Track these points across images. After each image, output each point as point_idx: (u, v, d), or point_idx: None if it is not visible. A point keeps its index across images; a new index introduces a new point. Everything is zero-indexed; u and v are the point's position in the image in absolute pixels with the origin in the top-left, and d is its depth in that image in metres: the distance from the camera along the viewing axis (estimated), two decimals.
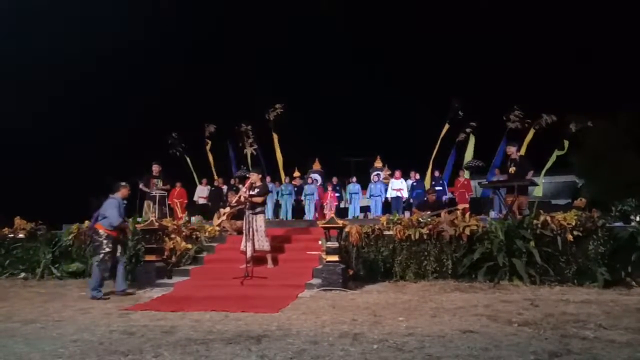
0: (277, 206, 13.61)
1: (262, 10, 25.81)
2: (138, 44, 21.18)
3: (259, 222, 7.35)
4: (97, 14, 20.82)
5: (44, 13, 18.96)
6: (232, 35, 28.57)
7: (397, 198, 12.69)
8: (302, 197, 13.36)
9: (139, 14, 21.17)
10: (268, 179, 13.25)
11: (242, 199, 7.42)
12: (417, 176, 13.29)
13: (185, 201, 13.18)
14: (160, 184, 10.52)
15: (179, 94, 22.43)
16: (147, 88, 21.02)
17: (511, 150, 8.55)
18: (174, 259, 7.71)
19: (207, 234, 8.53)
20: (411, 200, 12.48)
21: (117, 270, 6.51)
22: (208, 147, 15.14)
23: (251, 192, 7.39)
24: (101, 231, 6.41)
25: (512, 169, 8.23)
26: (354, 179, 13.77)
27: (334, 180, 13.71)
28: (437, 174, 13.41)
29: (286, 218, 12.89)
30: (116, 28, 20.70)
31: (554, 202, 15.73)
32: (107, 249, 6.38)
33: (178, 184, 12.91)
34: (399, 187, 12.82)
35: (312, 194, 13.19)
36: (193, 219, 11.96)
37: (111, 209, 6.49)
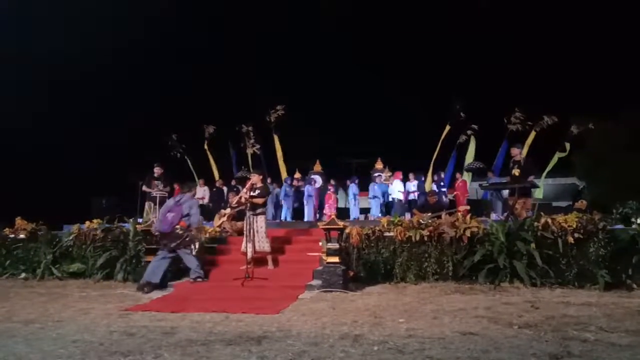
0: (277, 208, 13.61)
1: (263, 10, 25.84)
2: (138, 44, 21.21)
3: (260, 223, 7.35)
4: (97, 14, 20.84)
5: (44, 13, 19.00)
6: (232, 35, 28.61)
7: (400, 200, 12.70)
8: (305, 199, 13.36)
9: (139, 14, 21.18)
10: (269, 180, 13.27)
11: (243, 200, 7.42)
12: (422, 178, 13.34)
13: None
14: (161, 185, 10.53)
15: (179, 95, 22.48)
16: (147, 88, 21.05)
17: (515, 152, 8.53)
18: None
19: (207, 235, 8.53)
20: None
21: (165, 266, 6.85)
22: (207, 148, 15.16)
23: (252, 193, 7.39)
24: (181, 226, 6.86)
25: (515, 171, 8.21)
26: (356, 181, 13.79)
27: (332, 181, 13.73)
28: (442, 175, 13.43)
29: (284, 219, 12.90)
30: (116, 28, 20.74)
31: (554, 204, 15.75)
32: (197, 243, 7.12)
33: (176, 185, 12.89)
34: (400, 188, 12.83)
35: (311, 196, 13.19)
36: None
37: (196, 208, 7.08)
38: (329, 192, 13.18)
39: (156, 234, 7.21)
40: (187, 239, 6.95)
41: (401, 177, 13.12)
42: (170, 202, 7.19)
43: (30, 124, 17.65)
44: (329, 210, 12.24)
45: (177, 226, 6.85)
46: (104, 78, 20.96)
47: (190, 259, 6.98)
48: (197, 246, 7.10)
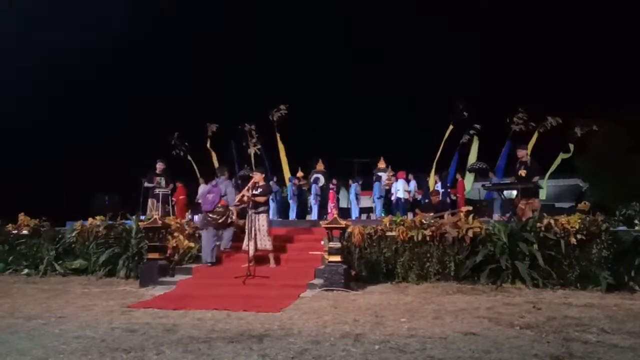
0: (282, 207, 13.62)
1: (265, 10, 25.86)
2: (138, 43, 21.24)
3: (262, 221, 7.36)
4: (97, 14, 20.87)
5: (44, 13, 19.04)
6: (234, 35, 28.63)
7: (406, 199, 12.75)
8: (312, 198, 13.41)
9: (140, 14, 21.18)
10: (275, 179, 13.30)
11: (245, 198, 7.43)
12: (427, 178, 13.38)
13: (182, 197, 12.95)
14: (163, 182, 10.55)
15: (181, 94, 22.50)
16: (148, 87, 21.07)
17: (522, 153, 8.47)
18: (176, 257, 7.72)
19: None
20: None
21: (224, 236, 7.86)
22: (209, 146, 15.14)
23: (254, 192, 7.40)
24: (221, 205, 7.66)
25: (522, 172, 8.17)
26: (360, 181, 13.82)
27: (334, 181, 13.78)
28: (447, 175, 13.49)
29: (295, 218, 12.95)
30: (116, 28, 20.73)
31: (557, 205, 15.69)
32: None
33: (179, 183, 12.89)
34: (405, 187, 12.88)
35: (318, 195, 13.26)
36: (196, 217, 11.96)
37: (231, 188, 7.92)
38: (331, 191, 13.20)
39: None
40: (228, 219, 7.75)
41: (405, 176, 13.13)
42: (207, 186, 8.02)
43: (30, 124, 17.70)
44: (332, 210, 12.28)
45: (219, 205, 7.64)
46: (104, 78, 21.00)
47: (223, 236, 7.76)
48: (231, 234, 7.89)
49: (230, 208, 7.78)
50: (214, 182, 7.95)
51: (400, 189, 12.82)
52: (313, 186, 13.43)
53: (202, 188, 13.91)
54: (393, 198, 12.99)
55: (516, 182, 8.28)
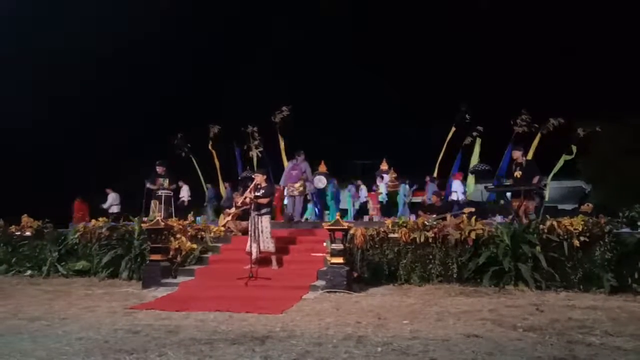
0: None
1: (266, 11, 25.88)
2: (139, 44, 21.20)
3: (265, 223, 7.36)
4: (97, 13, 20.85)
5: (44, 13, 19.06)
6: (235, 35, 28.63)
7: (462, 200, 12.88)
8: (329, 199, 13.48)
9: (140, 14, 21.13)
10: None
11: (248, 200, 7.44)
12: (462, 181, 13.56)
13: (85, 216, 12.64)
14: (166, 183, 10.56)
15: (183, 94, 22.52)
16: (150, 87, 21.04)
17: (517, 154, 8.46)
18: (179, 258, 7.72)
19: (212, 234, 8.55)
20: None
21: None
22: (211, 148, 15.17)
23: (256, 193, 7.41)
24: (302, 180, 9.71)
25: (517, 173, 8.17)
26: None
27: (378, 181, 13.92)
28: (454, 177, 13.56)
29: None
30: (117, 28, 20.70)
31: (560, 207, 15.64)
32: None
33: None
34: (459, 190, 13.03)
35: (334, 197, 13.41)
36: (199, 219, 11.99)
37: (309, 167, 9.84)
38: (372, 192, 13.42)
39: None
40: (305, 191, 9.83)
41: (462, 177, 13.28)
42: (289, 165, 9.86)
43: (31, 124, 17.72)
44: (374, 211, 12.54)
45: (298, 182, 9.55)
46: (104, 78, 21.01)
47: (298, 206, 9.70)
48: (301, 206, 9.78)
49: (310, 181, 10.06)
50: (294, 161, 9.79)
51: (458, 190, 12.97)
52: (330, 187, 13.47)
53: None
54: (451, 198, 13.04)
55: (518, 184, 8.25)
